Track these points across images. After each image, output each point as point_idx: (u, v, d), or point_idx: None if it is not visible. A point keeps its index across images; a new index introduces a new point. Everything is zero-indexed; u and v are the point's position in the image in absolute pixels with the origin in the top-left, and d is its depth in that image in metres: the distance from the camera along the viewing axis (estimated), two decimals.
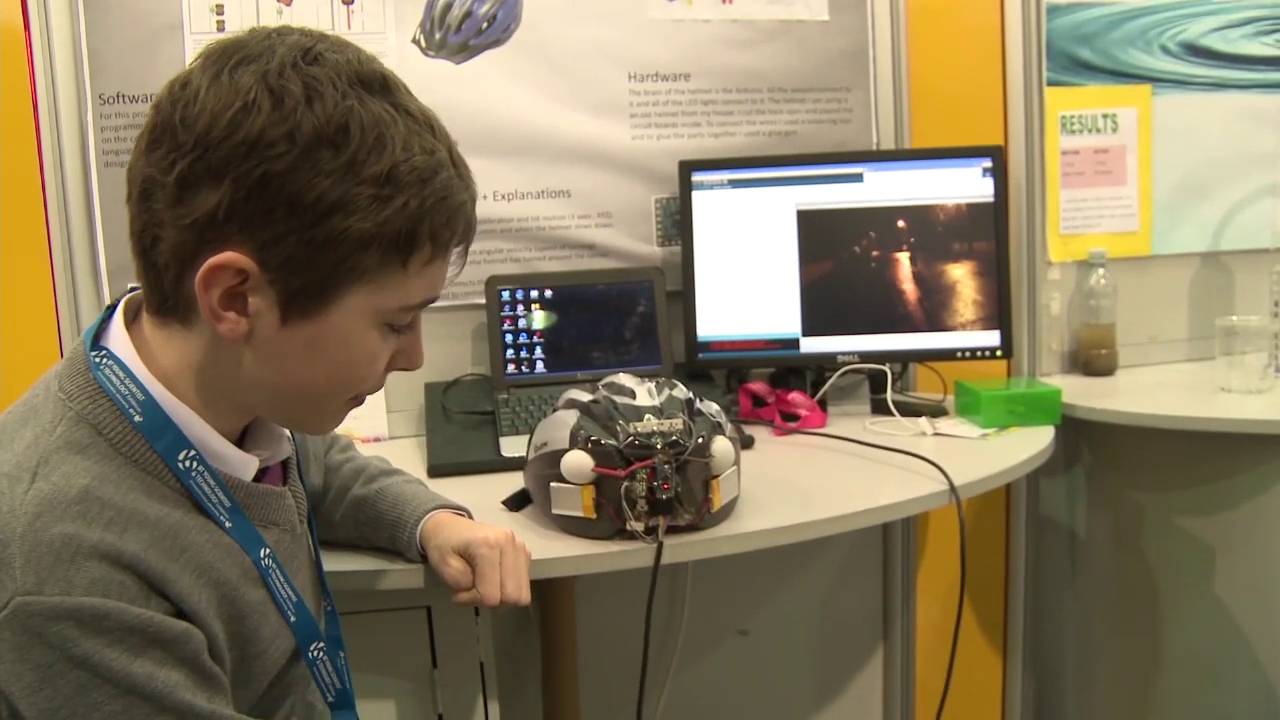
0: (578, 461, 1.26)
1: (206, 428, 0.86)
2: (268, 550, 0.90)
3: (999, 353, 1.89)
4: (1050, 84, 2.13)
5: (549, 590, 1.64)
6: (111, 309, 0.89)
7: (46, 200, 1.74)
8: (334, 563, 1.23)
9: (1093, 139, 2.17)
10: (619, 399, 1.32)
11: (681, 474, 1.25)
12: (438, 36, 1.87)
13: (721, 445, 1.29)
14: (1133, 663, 2.13)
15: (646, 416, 1.28)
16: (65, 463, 0.78)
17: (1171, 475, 1.99)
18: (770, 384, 1.91)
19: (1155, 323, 2.24)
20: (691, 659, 2.05)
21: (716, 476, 1.29)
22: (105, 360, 0.84)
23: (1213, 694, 1.98)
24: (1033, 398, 1.79)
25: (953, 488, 1.45)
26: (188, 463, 0.84)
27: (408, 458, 1.72)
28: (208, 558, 0.83)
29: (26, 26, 1.72)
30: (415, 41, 1.86)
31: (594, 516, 1.27)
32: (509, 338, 1.84)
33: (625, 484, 1.24)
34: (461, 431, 1.73)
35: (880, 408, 1.88)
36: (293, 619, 0.92)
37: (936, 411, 1.85)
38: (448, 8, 1.86)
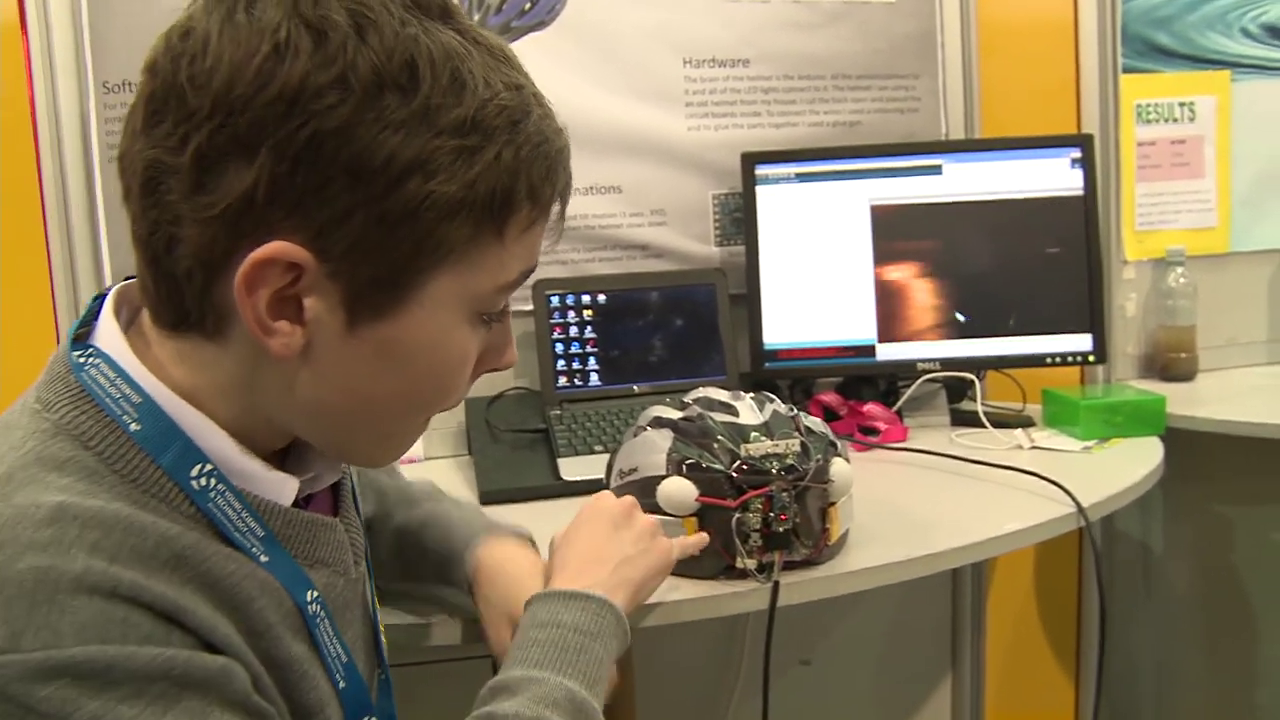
0: (679, 490, 1.09)
1: (226, 438, 0.67)
2: (316, 594, 0.70)
3: (1091, 358, 1.74)
4: (1125, 71, 1.99)
5: None
6: (99, 301, 0.70)
7: (44, 200, 1.58)
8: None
9: (1169, 129, 2.03)
10: (718, 416, 1.16)
11: (799, 502, 1.10)
12: (476, 18, 1.70)
13: (841, 468, 1.13)
14: (1222, 691, 1.99)
15: (754, 436, 1.12)
16: (33, 481, 0.59)
17: (1268, 487, 1.85)
18: (841, 394, 1.76)
19: (1234, 324, 2.10)
20: (753, 691, 1.90)
21: (834, 504, 1.14)
22: (91, 358, 0.66)
23: None
24: (1135, 406, 1.64)
25: (1080, 509, 1.30)
26: (204, 480, 0.65)
27: (451, 482, 1.56)
28: (234, 589, 0.63)
29: (22, 9, 1.55)
30: None
31: (697, 553, 1.11)
32: (559, 348, 1.68)
33: (736, 515, 1.08)
34: (512, 453, 1.57)
35: (962, 419, 1.73)
36: (342, 685, 0.72)
37: (1024, 422, 1.71)
38: None
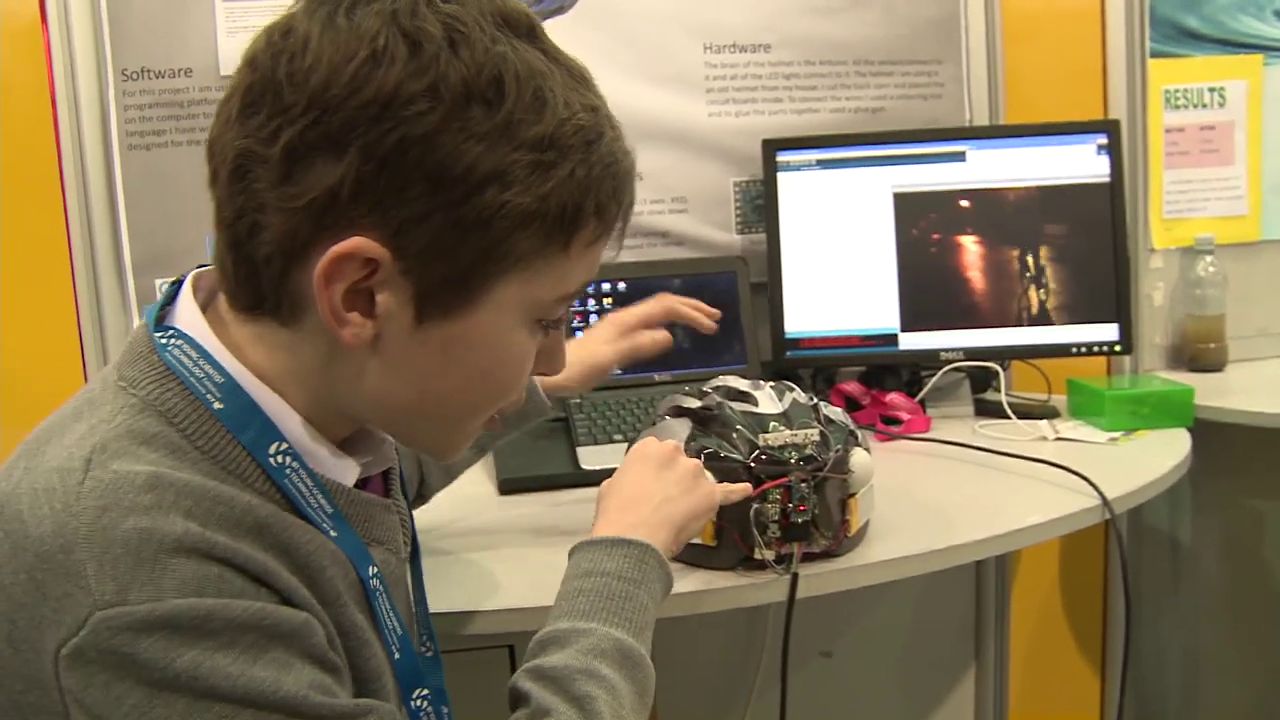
0: None
1: (298, 420, 0.71)
2: (375, 569, 0.74)
3: (1118, 348, 1.72)
4: (1153, 55, 1.95)
5: None
6: (176, 286, 0.74)
7: (65, 189, 1.58)
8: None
9: (1199, 115, 2.00)
10: (737, 405, 1.14)
11: (819, 493, 1.08)
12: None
13: (861, 458, 1.12)
14: (1251, 684, 1.97)
15: (773, 425, 1.11)
16: (126, 452, 0.63)
17: None
18: (863, 384, 1.74)
19: (1265, 314, 2.06)
20: (775, 682, 1.88)
21: (854, 494, 1.12)
22: (173, 339, 0.69)
23: None
24: (1162, 397, 1.61)
25: (1105, 502, 1.28)
26: (281, 458, 0.69)
27: (470, 472, 1.54)
28: (308, 558, 0.67)
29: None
30: None
31: (715, 544, 1.09)
32: (579, 335, 1.66)
33: (755, 506, 1.07)
34: (531, 442, 1.55)
35: (986, 409, 1.71)
36: (397, 656, 0.75)
37: (1048, 413, 1.68)
38: None
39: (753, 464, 1.07)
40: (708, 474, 1.03)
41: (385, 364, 0.70)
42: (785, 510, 1.07)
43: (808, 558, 1.10)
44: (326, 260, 0.64)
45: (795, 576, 1.08)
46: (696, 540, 1.07)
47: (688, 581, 1.09)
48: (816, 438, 1.09)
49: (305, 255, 0.65)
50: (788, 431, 1.09)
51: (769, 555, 1.08)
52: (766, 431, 1.09)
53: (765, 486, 1.06)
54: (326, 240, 0.64)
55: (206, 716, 0.59)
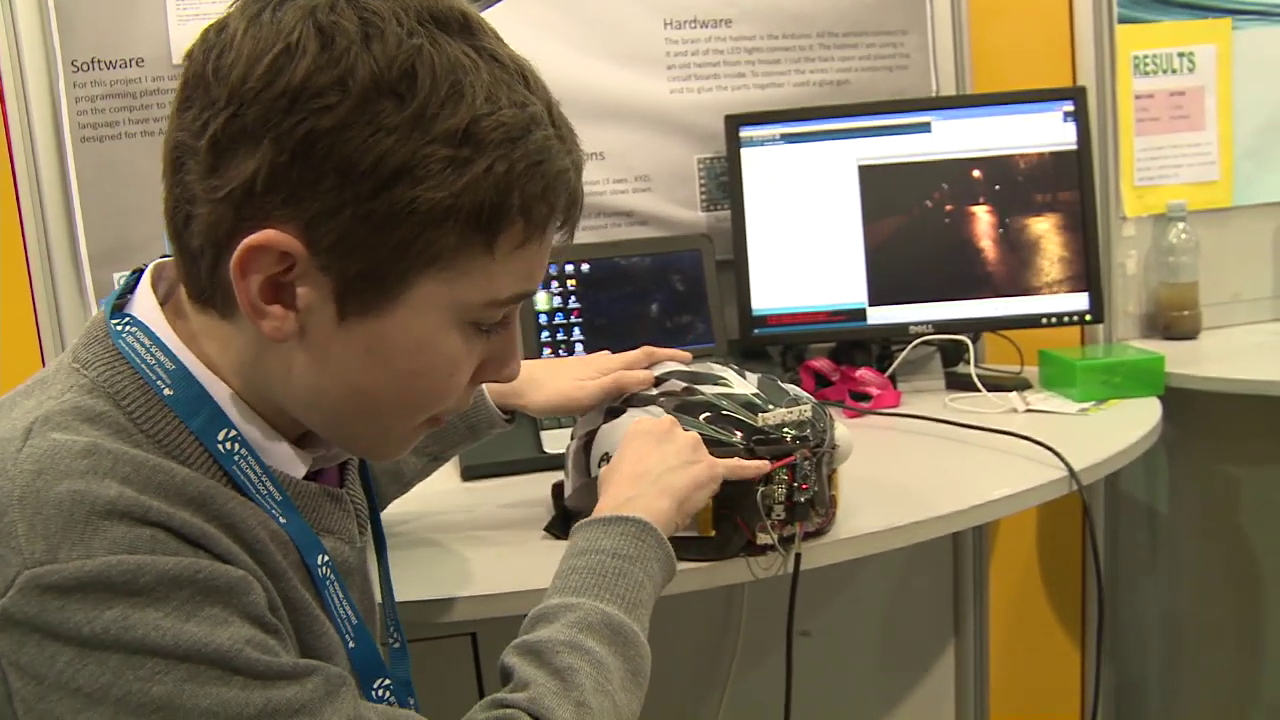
0: None
1: (249, 412, 0.71)
2: (325, 558, 0.74)
3: (1088, 318, 1.70)
4: (1121, 21, 1.94)
5: None
6: (137, 275, 0.75)
7: (16, 183, 1.55)
8: None
9: (1168, 80, 1.98)
10: (708, 389, 1.09)
11: (817, 470, 1.06)
12: None
13: (844, 433, 1.10)
14: (1230, 653, 1.96)
15: (763, 405, 1.07)
16: (68, 425, 0.64)
17: (1274, 446, 1.82)
18: (833, 360, 1.72)
19: (1238, 280, 2.05)
20: (750, 664, 1.88)
21: (835, 470, 1.10)
22: (128, 326, 0.70)
23: None
24: (1132, 366, 1.60)
25: (1072, 473, 1.27)
26: (230, 444, 0.69)
27: None
28: (250, 533, 0.67)
29: None
30: None
31: (713, 534, 1.05)
32: (543, 318, 1.65)
33: (761, 489, 1.03)
34: None
35: (956, 382, 1.70)
36: (351, 645, 0.75)
37: (1020, 385, 1.67)
38: None
39: (755, 446, 1.03)
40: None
41: (312, 360, 0.69)
42: (790, 490, 1.04)
43: (807, 537, 1.08)
44: (240, 251, 0.64)
45: (798, 557, 1.06)
46: (694, 532, 1.04)
47: (682, 562, 1.06)
48: (809, 414, 1.07)
49: (229, 246, 0.65)
50: (783, 410, 1.06)
51: (772, 538, 1.05)
52: (761, 411, 1.06)
53: (774, 466, 1.03)
54: (245, 232, 0.64)
55: (140, 672, 0.59)
